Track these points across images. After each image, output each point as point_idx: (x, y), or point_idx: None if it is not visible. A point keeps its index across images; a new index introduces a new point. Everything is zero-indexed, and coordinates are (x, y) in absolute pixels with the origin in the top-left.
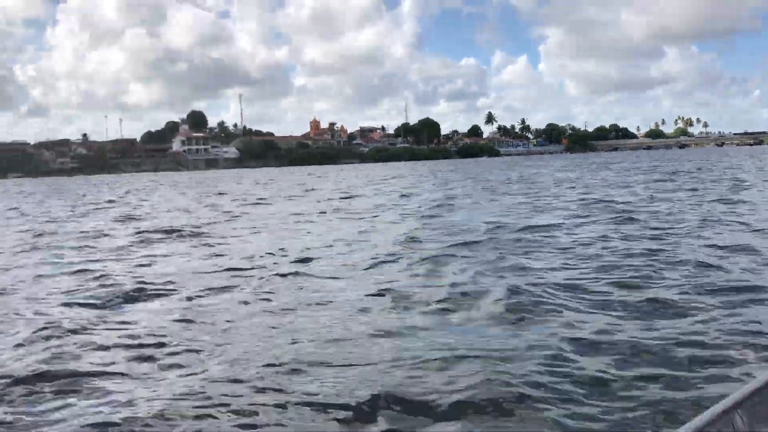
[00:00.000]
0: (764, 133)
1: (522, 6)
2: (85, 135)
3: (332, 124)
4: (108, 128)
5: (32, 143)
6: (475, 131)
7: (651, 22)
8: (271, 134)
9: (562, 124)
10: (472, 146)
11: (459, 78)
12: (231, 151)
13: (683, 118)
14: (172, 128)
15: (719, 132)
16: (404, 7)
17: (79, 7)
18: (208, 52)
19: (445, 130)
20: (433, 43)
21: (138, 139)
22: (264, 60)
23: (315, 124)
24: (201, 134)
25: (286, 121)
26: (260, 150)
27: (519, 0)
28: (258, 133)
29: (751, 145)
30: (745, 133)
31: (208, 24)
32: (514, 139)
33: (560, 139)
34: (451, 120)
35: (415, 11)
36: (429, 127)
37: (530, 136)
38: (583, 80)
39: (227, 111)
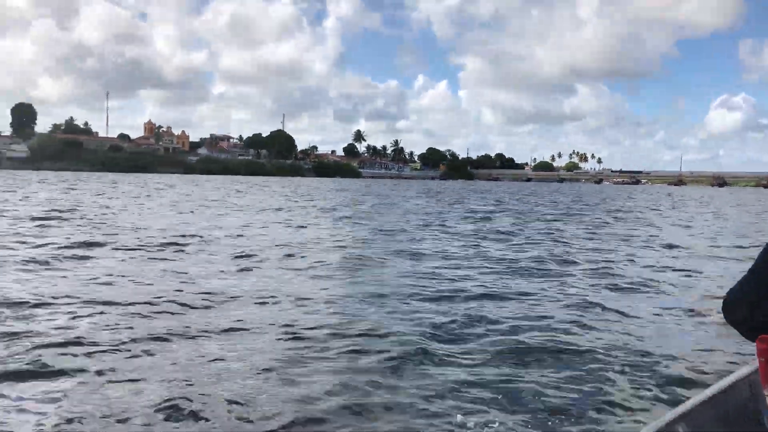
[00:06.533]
0: (640, 172)
1: (441, 33)
2: None
3: (160, 127)
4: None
5: None
6: (351, 150)
7: (564, 59)
8: (90, 133)
9: (481, 151)
10: (327, 165)
11: (380, 98)
12: (18, 149)
13: (578, 153)
14: None
15: (602, 169)
16: (327, 22)
17: None
18: (122, 50)
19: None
20: (355, 62)
21: None
22: (181, 64)
23: (149, 126)
24: None
25: (203, 128)
26: (57, 151)
27: (439, 27)
28: (77, 129)
29: (627, 183)
30: (622, 172)
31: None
32: (392, 162)
33: (440, 164)
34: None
35: (338, 29)
36: (282, 140)
37: (406, 158)
38: (500, 110)
39: (142, 114)
